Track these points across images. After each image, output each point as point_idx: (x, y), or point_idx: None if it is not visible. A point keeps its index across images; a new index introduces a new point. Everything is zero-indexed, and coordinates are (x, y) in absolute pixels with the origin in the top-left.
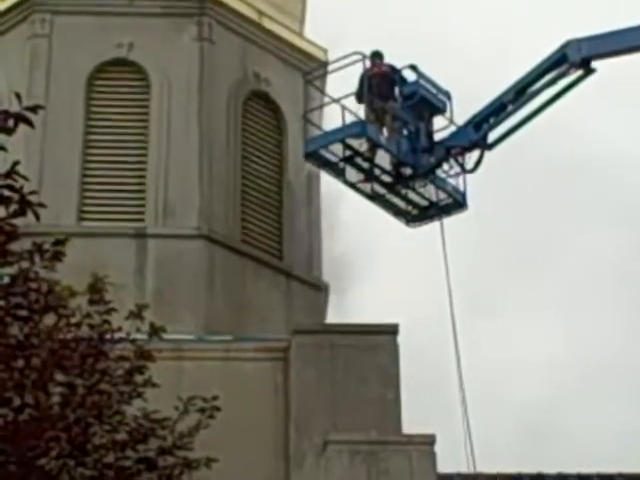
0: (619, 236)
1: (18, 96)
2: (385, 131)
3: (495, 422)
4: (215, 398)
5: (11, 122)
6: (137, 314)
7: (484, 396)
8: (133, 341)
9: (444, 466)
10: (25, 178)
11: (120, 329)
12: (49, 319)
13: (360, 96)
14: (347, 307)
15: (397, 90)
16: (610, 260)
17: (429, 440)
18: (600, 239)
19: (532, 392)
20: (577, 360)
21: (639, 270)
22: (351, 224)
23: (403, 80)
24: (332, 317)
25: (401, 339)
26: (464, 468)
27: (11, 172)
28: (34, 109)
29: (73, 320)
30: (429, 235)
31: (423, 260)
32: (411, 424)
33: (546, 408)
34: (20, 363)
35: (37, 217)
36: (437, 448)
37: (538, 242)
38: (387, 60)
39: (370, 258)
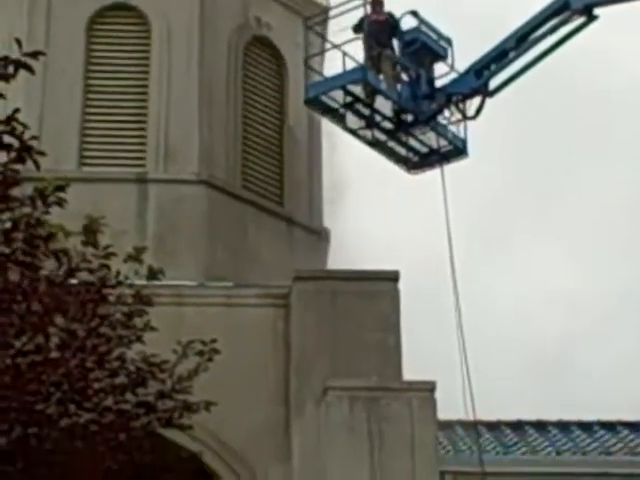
0: (634, 170)
1: (18, 42)
2: (384, 78)
3: (506, 363)
4: (214, 341)
5: (11, 68)
6: (135, 257)
7: (495, 336)
8: (132, 285)
9: (447, 413)
10: (25, 126)
11: (119, 273)
12: (49, 264)
13: (357, 28)
14: (346, 249)
15: (396, 38)
16: (625, 194)
17: (429, 387)
18: (614, 173)
19: (546, 329)
20: (594, 293)
21: None
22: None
23: (401, 30)
24: (332, 261)
25: (404, 283)
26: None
27: (11, 119)
28: (34, 55)
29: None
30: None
31: (428, 204)
32: (413, 371)
33: (560, 346)
34: (22, 308)
35: (37, 166)
36: (438, 395)
37: (551, 178)
38: (388, 6)
39: (372, 199)
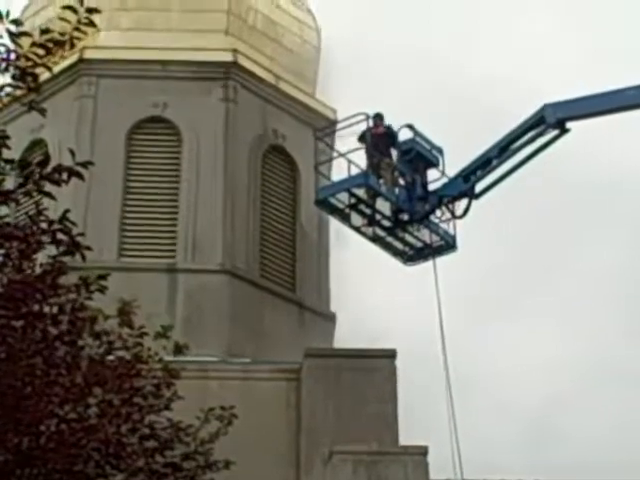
0: (615, 251)
1: (72, 152)
2: (383, 182)
3: (496, 426)
4: (232, 407)
5: (64, 175)
6: (163, 334)
7: (486, 403)
8: (160, 360)
9: (438, 473)
10: (74, 224)
11: (150, 349)
12: (91, 342)
13: (361, 138)
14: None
15: (394, 148)
16: (606, 273)
17: (422, 451)
18: (597, 254)
19: (532, 397)
20: (575, 364)
21: (633, 281)
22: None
23: (399, 141)
24: (337, 339)
25: (402, 357)
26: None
27: (62, 219)
28: (84, 165)
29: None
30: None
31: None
32: (409, 436)
33: (545, 412)
34: (66, 381)
35: (83, 258)
36: (430, 458)
37: (540, 257)
38: (388, 120)
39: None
